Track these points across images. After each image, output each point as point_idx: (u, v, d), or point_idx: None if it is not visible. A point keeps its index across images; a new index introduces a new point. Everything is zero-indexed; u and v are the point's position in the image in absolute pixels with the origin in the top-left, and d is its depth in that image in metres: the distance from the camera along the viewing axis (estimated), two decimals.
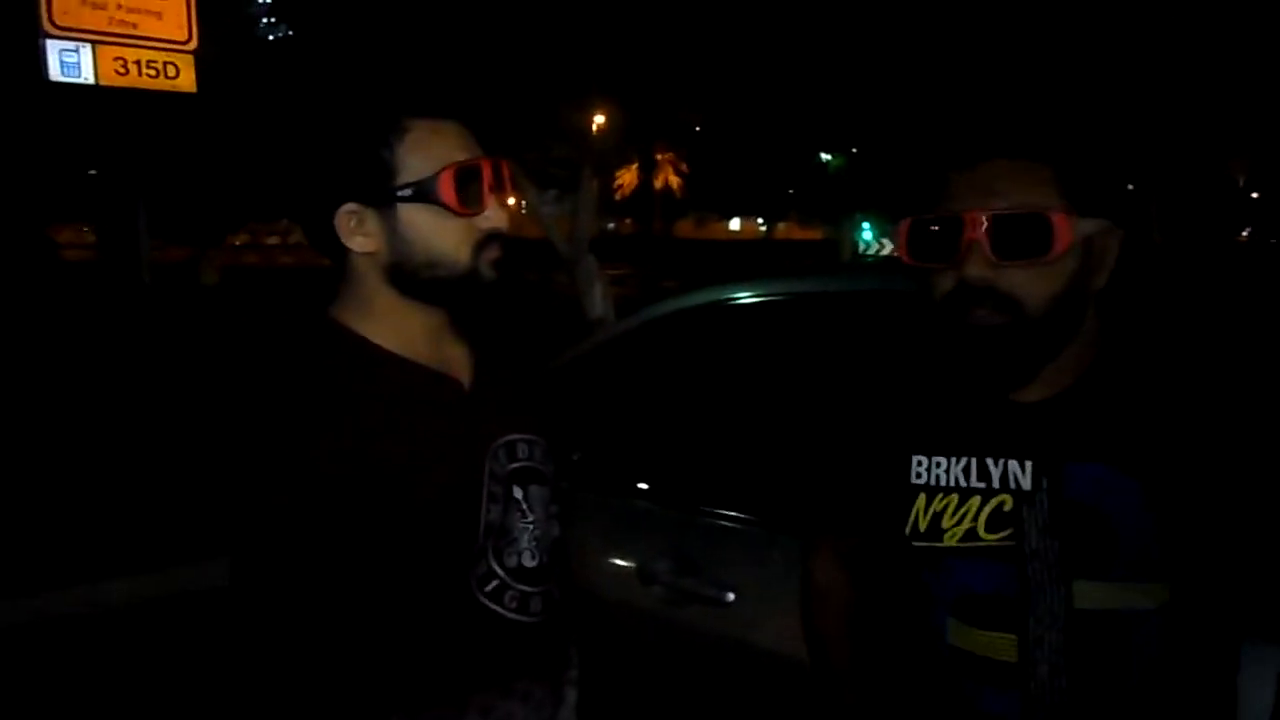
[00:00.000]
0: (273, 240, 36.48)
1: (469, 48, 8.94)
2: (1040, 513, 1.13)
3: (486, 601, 1.16)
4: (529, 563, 1.20)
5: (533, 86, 9.57)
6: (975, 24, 9.79)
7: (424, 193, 1.13)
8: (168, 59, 4.86)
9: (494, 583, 1.17)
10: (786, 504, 1.95)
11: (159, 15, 4.84)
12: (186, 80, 4.99)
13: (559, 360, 2.56)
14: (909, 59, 10.54)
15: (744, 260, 21.68)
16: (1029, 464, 1.15)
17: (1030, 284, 1.09)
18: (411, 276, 1.15)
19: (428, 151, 1.13)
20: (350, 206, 1.14)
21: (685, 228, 35.69)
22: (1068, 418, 1.15)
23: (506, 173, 1.20)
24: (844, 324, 2.03)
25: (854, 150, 17.20)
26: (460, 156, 1.14)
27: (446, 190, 1.12)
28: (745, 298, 2.24)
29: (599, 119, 12.07)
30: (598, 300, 10.58)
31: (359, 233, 1.15)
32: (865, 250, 22.73)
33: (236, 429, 1.10)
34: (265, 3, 11.74)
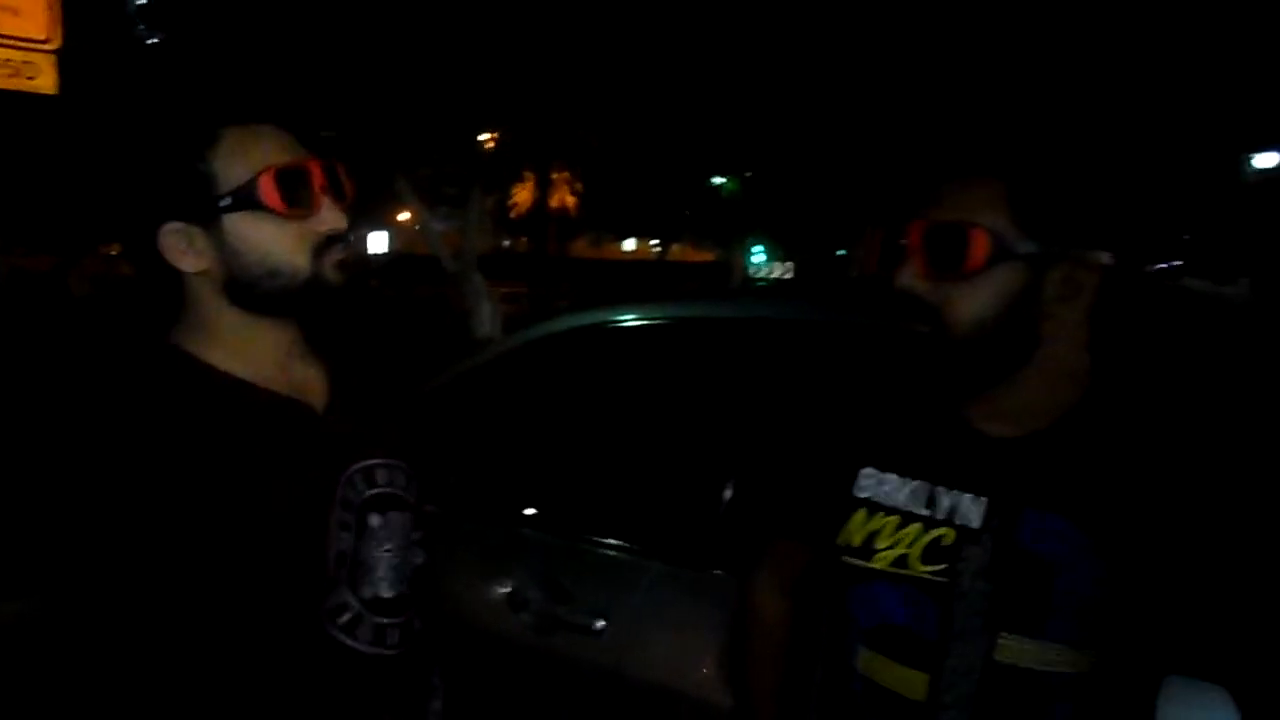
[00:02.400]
0: None
1: (350, 59, 8.72)
2: (983, 554, 1.08)
3: (339, 635, 1.11)
4: (386, 593, 1.15)
5: (423, 102, 9.42)
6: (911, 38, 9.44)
7: (246, 199, 1.06)
8: (26, 58, 4.57)
9: (347, 615, 1.12)
10: (661, 532, 1.94)
11: (15, 12, 4.55)
12: (47, 82, 4.71)
13: (438, 379, 2.50)
14: (817, 81, 10.45)
15: (637, 280, 21.75)
16: (983, 501, 1.09)
17: (955, 299, 1.05)
18: (250, 289, 1.09)
19: (245, 157, 1.07)
20: (174, 225, 1.07)
21: (580, 247, 35.66)
22: (1034, 460, 1.08)
23: (342, 174, 1.14)
24: (727, 350, 2.04)
25: (747, 174, 17.41)
26: (280, 158, 1.08)
27: (268, 192, 1.06)
28: (627, 321, 2.22)
29: (490, 136, 11.95)
30: (485, 318, 10.47)
31: (188, 252, 1.08)
32: (755, 273, 23.10)
33: (50, 457, 1.02)
34: (142, 5, 11.20)
